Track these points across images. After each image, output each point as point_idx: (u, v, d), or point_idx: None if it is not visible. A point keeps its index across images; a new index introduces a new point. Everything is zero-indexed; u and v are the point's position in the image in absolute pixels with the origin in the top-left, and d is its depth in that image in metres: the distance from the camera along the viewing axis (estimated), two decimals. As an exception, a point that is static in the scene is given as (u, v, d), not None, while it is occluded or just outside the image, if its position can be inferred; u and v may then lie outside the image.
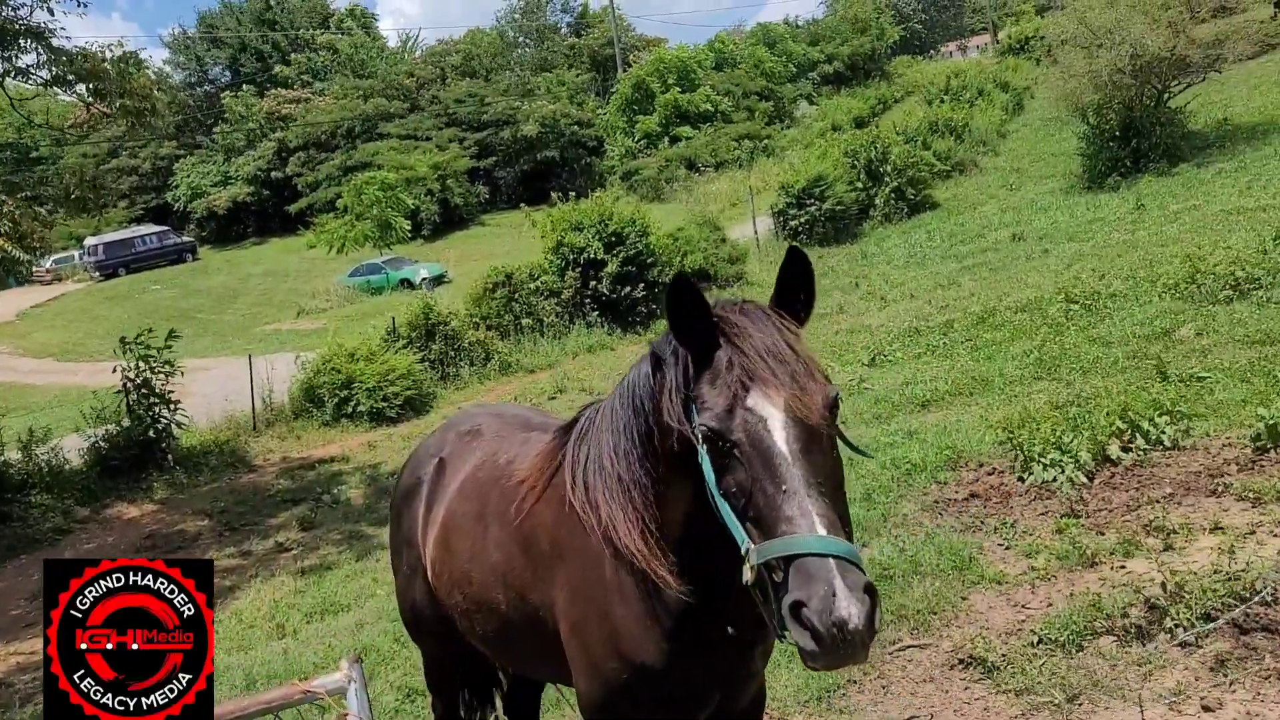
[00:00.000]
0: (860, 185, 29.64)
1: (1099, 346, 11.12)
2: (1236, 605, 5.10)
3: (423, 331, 21.03)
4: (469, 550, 3.61)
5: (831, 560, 2.10)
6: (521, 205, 45.61)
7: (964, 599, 5.96)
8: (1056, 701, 4.73)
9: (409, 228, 44.35)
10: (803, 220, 28.20)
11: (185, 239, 55.69)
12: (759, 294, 23.10)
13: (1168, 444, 7.70)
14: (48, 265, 53.46)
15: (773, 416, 2.33)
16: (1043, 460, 7.57)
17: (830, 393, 2.40)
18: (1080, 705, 4.69)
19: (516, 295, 22.79)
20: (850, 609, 2.03)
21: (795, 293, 2.62)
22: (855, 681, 5.31)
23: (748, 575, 2.25)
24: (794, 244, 2.78)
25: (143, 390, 16.44)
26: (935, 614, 5.82)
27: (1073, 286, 14.32)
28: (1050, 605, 5.68)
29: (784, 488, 2.23)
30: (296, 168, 56.16)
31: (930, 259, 22.86)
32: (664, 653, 2.83)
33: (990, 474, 7.99)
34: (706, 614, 2.77)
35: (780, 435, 2.30)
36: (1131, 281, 14.08)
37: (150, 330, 16.75)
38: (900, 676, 5.32)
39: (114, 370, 16.55)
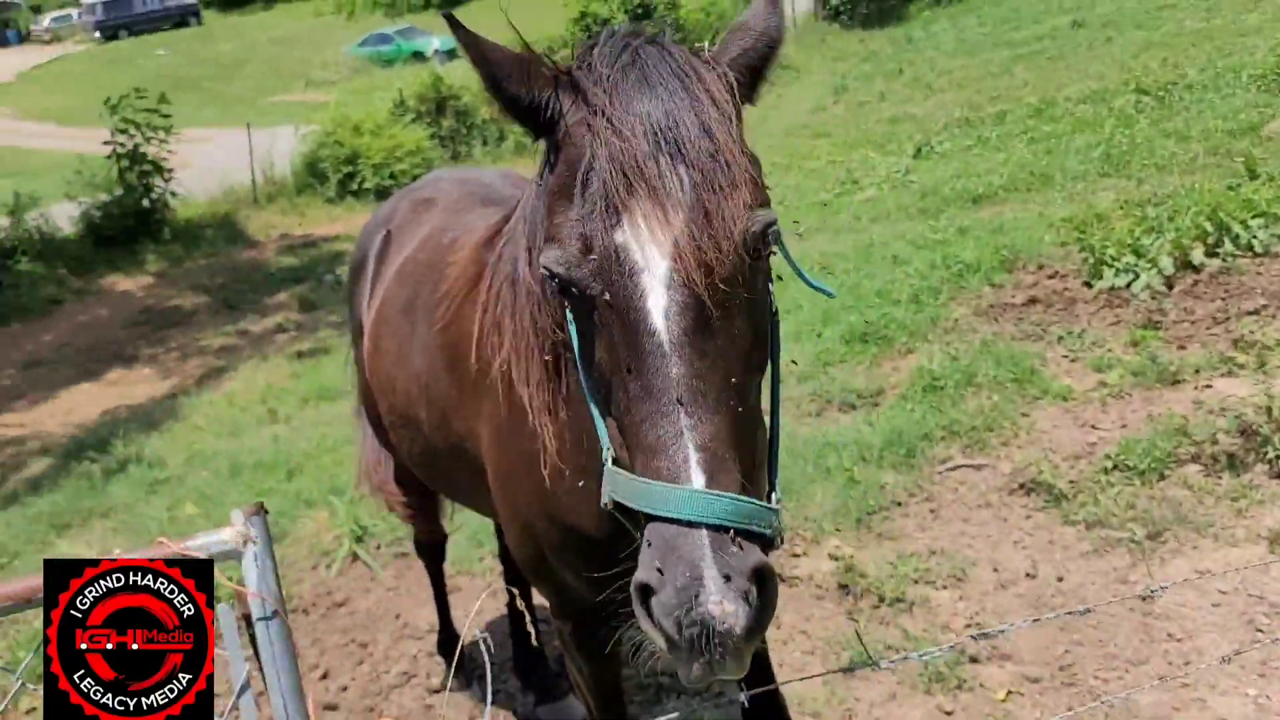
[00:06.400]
0: (909, -40, 27.30)
1: (1175, 141, 9.98)
2: (1353, 438, 4.40)
3: (433, 106, 19.91)
4: (395, 350, 2.85)
5: (705, 533, 1.34)
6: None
7: (1025, 415, 5.26)
8: (1135, 538, 4.10)
9: (422, -7, 41.71)
10: (844, -1, 26.29)
11: (189, 0, 52.60)
12: (798, 86, 21.70)
13: (1259, 250, 6.81)
14: (45, 24, 51.26)
15: (647, 269, 1.43)
16: (1116, 264, 6.71)
17: (754, 223, 1.46)
18: (1164, 543, 4.06)
19: (535, 71, 21.38)
20: (721, 606, 1.29)
21: (747, 27, 1.65)
22: (900, 504, 4.70)
23: (604, 496, 1.55)
24: None
25: (134, 157, 15.49)
26: (992, 431, 5.14)
27: (1143, 76, 13.00)
28: (1125, 427, 4.98)
29: (652, 393, 1.42)
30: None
31: (981, 46, 21.13)
32: (599, 516, 2.03)
33: (1052, 277, 7.15)
34: None
35: (657, 303, 1.42)
36: (1210, 72, 12.70)
37: (138, 91, 15.58)
38: (951, 500, 4.69)
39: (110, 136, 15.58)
